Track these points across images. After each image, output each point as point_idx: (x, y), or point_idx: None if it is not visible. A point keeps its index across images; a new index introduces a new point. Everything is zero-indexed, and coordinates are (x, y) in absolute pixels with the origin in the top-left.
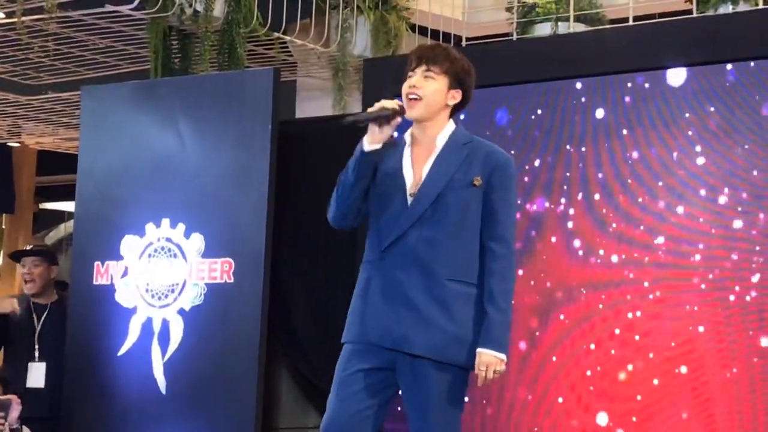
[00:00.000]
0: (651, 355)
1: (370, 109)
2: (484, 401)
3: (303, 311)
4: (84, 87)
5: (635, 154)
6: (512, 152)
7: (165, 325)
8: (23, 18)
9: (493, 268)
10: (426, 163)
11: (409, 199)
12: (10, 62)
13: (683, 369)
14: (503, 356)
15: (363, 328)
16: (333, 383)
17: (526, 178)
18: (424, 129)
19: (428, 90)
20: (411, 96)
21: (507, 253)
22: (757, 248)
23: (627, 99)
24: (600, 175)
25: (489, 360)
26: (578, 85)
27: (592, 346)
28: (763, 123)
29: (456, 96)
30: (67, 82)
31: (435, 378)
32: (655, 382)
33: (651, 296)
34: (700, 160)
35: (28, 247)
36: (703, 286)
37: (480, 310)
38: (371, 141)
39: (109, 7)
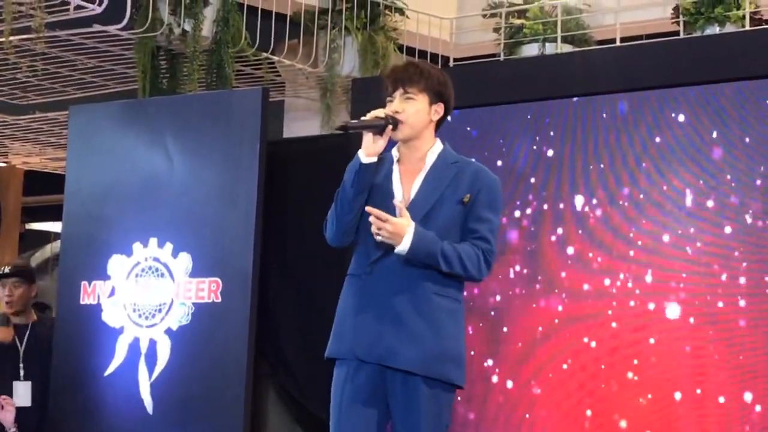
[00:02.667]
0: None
1: (363, 118)
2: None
3: (290, 331)
4: (71, 106)
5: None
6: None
7: (152, 344)
8: (11, 38)
9: (466, 245)
10: (415, 181)
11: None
12: None
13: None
14: (405, 247)
15: (350, 343)
16: (332, 408)
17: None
18: (412, 147)
19: (410, 111)
20: None
21: (484, 252)
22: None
23: (614, 119)
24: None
25: (401, 229)
26: (565, 106)
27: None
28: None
29: (438, 110)
30: (55, 102)
31: (425, 394)
32: None
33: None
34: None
35: (6, 269)
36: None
37: (464, 325)
38: (367, 153)
39: (97, 27)
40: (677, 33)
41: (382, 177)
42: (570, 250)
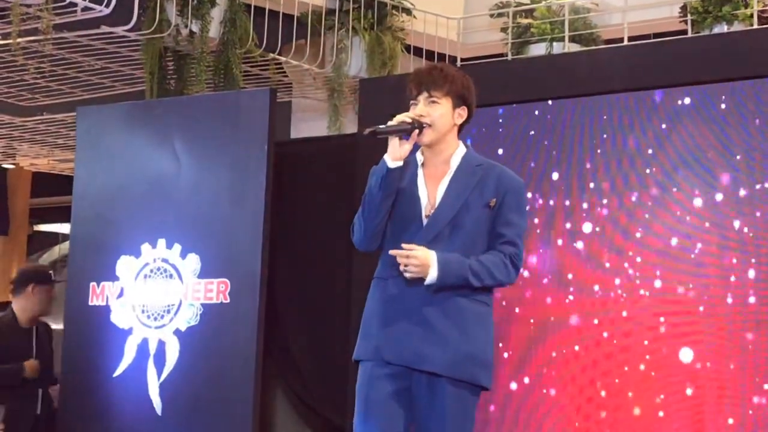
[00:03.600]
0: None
1: (390, 123)
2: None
3: (299, 331)
4: (79, 108)
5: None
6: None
7: (161, 345)
8: (18, 39)
9: (495, 253)
10: (440, 184)
11: (425, 220)
12: (5, 84)
13: None
14: (433, 277)
15: (378, 345)
16: (357, 405)
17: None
18: (436, 151)
19: (435, 115)
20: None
21: (507, 263)
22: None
23: (623, 119)
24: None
25: (426, 259)
26: (572, 105)
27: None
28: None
29: (462, 114)
30: (63, 104)
31: (452, 396)
32: None
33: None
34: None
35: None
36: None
37: (491, 328)
38: (393, 157)
39: (104, 29)
40: (685, 32)
41: (407, 181)
42: (579, 245)
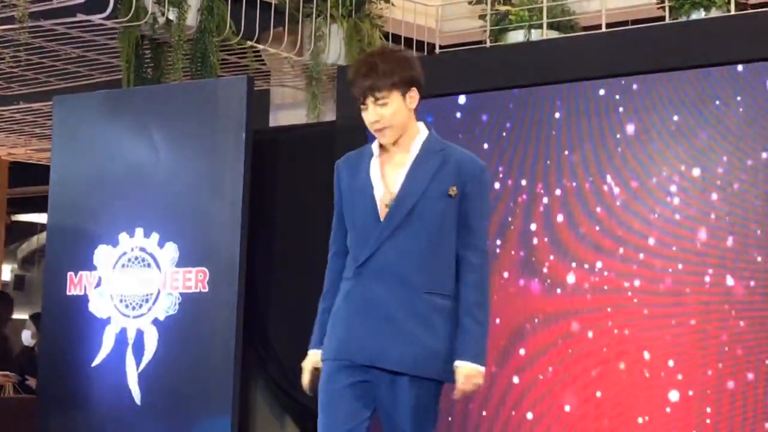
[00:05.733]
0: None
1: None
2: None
3: (278, 320)
4: (56, 97)
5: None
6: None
7: (139, 335)
8: None
9: (469, 279)
10: (398, 173)
11: (384, 212)
12: None
13: None
14: (482, 368)
15: (341, 344)
16: (319, 401)
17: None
18: (397, 142)
19: (387, 115)
20: (377, 128)
21: (482, 263)
22: None
23: (598, 106)
24: (573, 183)
25: (468, 372)
26: (550, 92)
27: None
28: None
29: (414, 95)
30: (39, 93)
31: (413, 392)
32: None
33: None
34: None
35: None
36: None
37: (457, 322)
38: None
39: (80, 17)
40: (663, 18)
41: (361, 174)
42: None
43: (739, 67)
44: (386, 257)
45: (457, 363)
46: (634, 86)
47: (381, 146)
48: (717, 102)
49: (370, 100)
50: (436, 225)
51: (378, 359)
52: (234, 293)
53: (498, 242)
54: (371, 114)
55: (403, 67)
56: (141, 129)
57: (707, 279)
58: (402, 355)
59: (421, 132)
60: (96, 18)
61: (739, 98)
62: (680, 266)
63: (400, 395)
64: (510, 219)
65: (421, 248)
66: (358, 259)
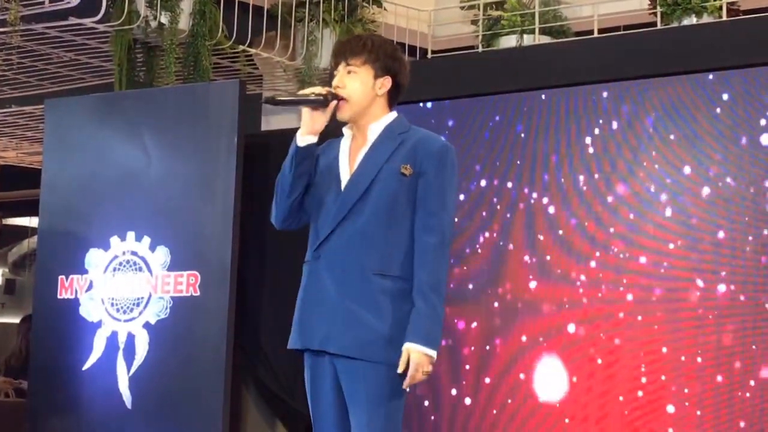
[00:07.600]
0: None
1: (299, 92)
2: None
3: (269, 324)
4: (47, 100)
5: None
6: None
7: (130, 339)
8: None
9: (424, 259)
10: (357, 157)
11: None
12: None
13: None
14: (432, 353)
15: (296, 332)
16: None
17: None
18: (360, 125)
19: (351, 87)
20: (335, 93)
21: (438, 243)
22: None
23: (593, 111)
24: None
25: (416, 358)
26: (543, 97)
27: None
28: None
29: (386, 84)
30: (31, 96)
31: (370, 377)
32: None
33: None
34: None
35: None
36: None
37: (410, 305)
38: (305, 132)
39: (72, 20)
40: (654, 24)
41: (332, 158)
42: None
43: (731, 73)
44: (341, 239)
45: (406, 345)
46: (626, 90)
47: (351, 130)
48: (709, 106)
49: (342, 65)
50: (389, 205)
51: (326, 343)
52: (225, 297)
53: (510, 246)
54: (336, 80)
55: (387, 53)
56: (133, 133)
57: (700, 285)
58: (351, 339)
59: (387, 117)
60: (88, 21)
61: (731, 103)
62: (673, 273)
63: (359, 380)
64: (513, 221)
65: (373, 229)
66: (317, 242)
